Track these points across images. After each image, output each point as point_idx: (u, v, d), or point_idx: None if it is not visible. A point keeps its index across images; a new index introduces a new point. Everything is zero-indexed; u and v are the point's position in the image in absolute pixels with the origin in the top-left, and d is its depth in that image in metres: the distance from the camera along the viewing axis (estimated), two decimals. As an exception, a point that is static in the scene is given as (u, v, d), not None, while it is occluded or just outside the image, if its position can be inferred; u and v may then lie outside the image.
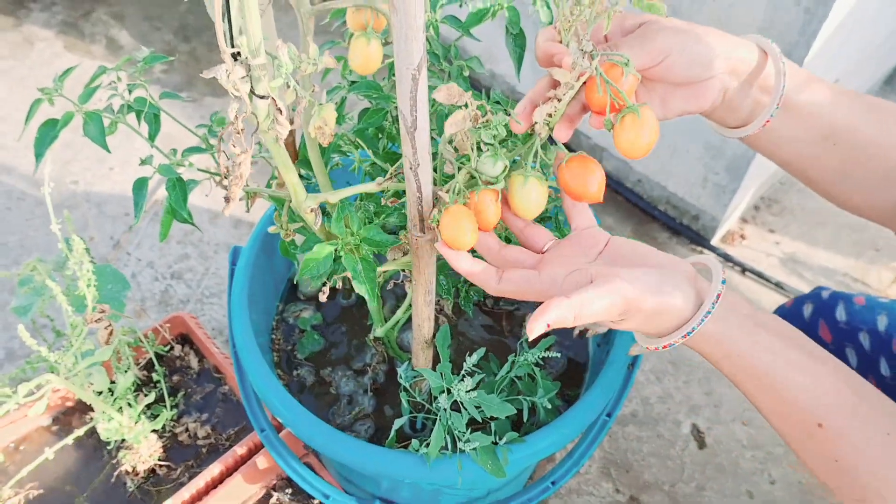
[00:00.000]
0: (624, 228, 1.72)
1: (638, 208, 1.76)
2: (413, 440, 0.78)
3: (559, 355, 0.95)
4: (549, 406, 0.84)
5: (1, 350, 1.41)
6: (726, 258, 1.67)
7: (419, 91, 0.56)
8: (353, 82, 0.81)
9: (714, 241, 1.69)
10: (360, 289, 0.68)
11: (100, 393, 0.95)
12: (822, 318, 0.94)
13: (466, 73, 0.83)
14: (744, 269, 1.66)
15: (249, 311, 0.90)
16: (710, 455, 1.39)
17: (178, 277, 1.55)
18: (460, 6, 0.80)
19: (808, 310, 0.97)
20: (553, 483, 0.97)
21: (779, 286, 1.63)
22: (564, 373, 1.04)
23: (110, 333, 0.84)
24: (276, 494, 1.12)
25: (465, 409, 0.75)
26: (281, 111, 0.59)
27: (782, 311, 1.03)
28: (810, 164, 0.71)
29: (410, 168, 0.62)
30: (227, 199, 0.65)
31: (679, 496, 1.33)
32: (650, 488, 1.34)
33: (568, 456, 0.97)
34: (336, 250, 0.67)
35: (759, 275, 1.65)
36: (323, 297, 0.76)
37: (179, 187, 0.72)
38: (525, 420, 0.85)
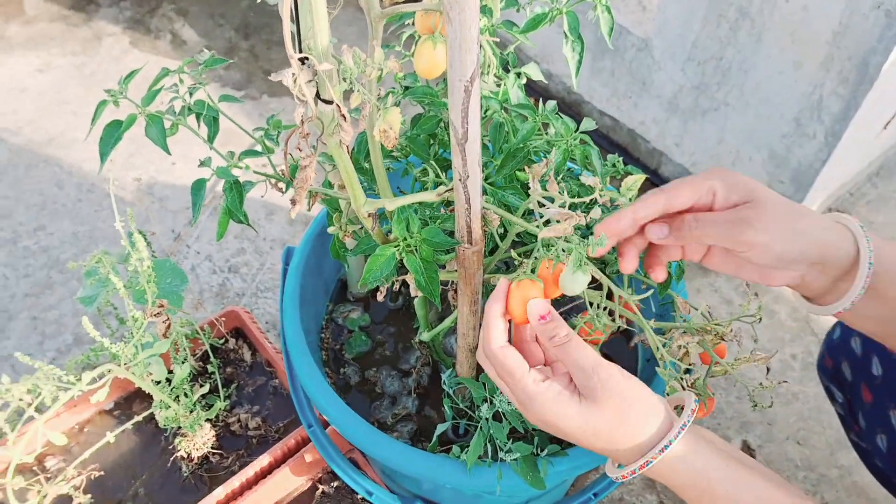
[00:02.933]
0: (681, 236, 1.69)
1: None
2: (454, 446, 0.79)
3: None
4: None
5: (70, 335, 1.47)
6: (787, 271, 1.63)
7: (472, 103, 0.57)
8: (407, 87, 0.82)
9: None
10: (423, 289, 0.69)
11: (158, 382, 0.98)
12: (875, 353, 0.92)
13: (524, 81, 0.83)
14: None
15: (300, 311, 0.92)
16: (761, 473, 1.36)
17: (234, 271, 1.59)
18: (518, 11, 0.80)
19: (856, 342, 0.94)
20: (595, 495, 0.97)
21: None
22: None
23: (168, 327, 0.87)
24: (321, 487, 1.15)
25: (507, 420, 0.75)
26: (345, 117, 0.60)
27: (830, 342, 1.00)
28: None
29: (460, 180, 0.62)
30: (293, 202, 0.67)
31: (726, 513, 1.30)
32: None
33: (602, 475, 0.96)
34: (398, 251, 0.68)
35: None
36: (381, 297, 0.77)
37: (236, 189, 0.75)
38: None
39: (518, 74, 0.82)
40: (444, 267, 0.75)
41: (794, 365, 1.50)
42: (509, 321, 0.65)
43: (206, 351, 1.18)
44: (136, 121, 0.72)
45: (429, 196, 0.67)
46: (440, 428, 0.82)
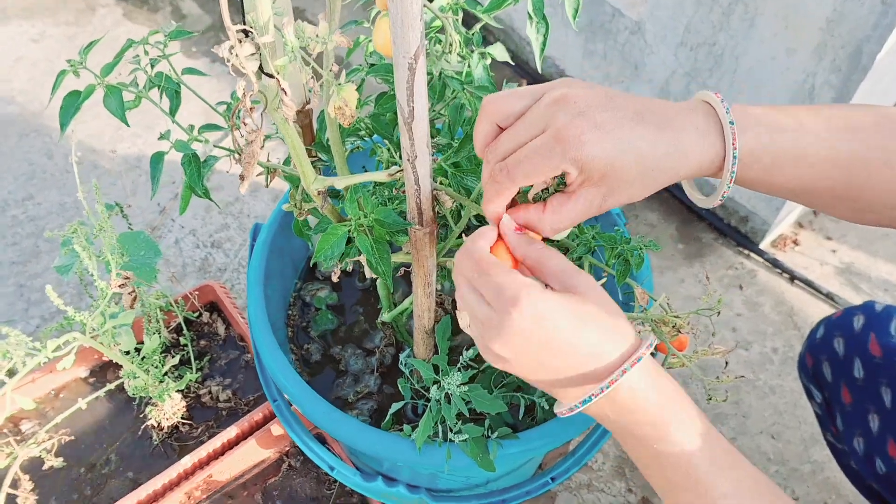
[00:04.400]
0: (668, 226, 1.69)
1: (684, 206, 1.72)
2: (406, 426, 0.80)
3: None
4: (548, 406, 0.84)
5: (52, 304, 1.49)
6: (775, 264, 1.62)
7: (416, 81, 0.57)
8: (372, 65, 0.82)
9: (763, 245, 1.65)
10: (375, 270, 0.69)
11: (127, 352, 1.00)
12: (873, 331, 0.90)
13: (488, 62, 0.82)
14: (793, 277, 1.61)
15: (265, 287, 0.93)
16: (731, 464, 1.36)
17: (217, 246, 1.60)
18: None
19: (858, 321, 0.92)
20: (552, 479, 0.98)
21: (829, 297, 1.57)
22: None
23: (134, 299, 0.88)
24: (288, 460, 1.16)
25: (453, 403, 0.76)
26: (286, 91, 0.60)
27: (829, 322, 0.98)
28: (803, 200, 0.66)
29: (408, 160, 0.62)
30: (241, 178, 0.68)
31: (693, 502, 1.31)
32: (664, 491, 1.33)
33: (570, 454, 0.97)
34: (350, 231, 0.68)
35: (809, 284, 1.60)
36: (335, 278, 0.78)
37: (194, 163, 0.75)
38: (520, 417, 0.85)
39: (482, 55, 0.81)
40: (400, 249, 0.76)
41: (774, 358, 1.51)
42: None
43: (181, 324, 1.19)
44: (94, 91, 0.72)
45: (379, 176, 0.68)
46: (394, 407, 0.83)
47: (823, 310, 1.56)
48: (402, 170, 0.67)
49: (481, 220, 0.89)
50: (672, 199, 1.73)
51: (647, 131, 0.56)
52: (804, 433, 1.40)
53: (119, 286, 0.85)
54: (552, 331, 0.54)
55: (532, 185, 0.60)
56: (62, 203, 1.65)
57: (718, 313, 0.81)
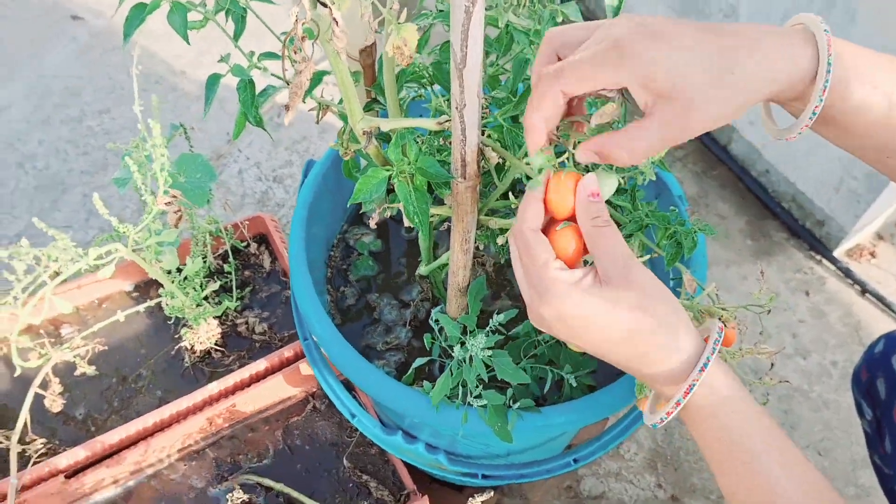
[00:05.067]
0: (739, 220, 1.61)
1: (759, 200, 1.64)
2: (426, 382, 0.78)
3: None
4: (575, 384, 0.81)
5: (115, 216, 1.52)
6: (847, 273, 1.53)
7: (472, 26, 0.53)
8: (441, 10, 0.78)
9: (837, 253, 1.55)
10: (412, 219, 0.67)
11: (169, 272, 1.01)
12: None
13: (559, 20, 0.78)
14: (864, 290, 1.52)
15: (309, 225, 0.92)
16: (767, 474, 1.30)
17: (279, 181, 1.61)
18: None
19: None
20: (575, 461, 0.95)
21: (900, 315, 1.48)
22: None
23: (179, 218, 0.89)
24: (313, 401, 1.16)
25: (474, 366, 0.74)
26: (337, 22, 0.58)
27: (890, 338, 0.93)
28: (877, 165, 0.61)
29: (457, 108, 0.59)
30: (286, 108, 0.66)
31: (722, 508, 1.27)
32: (695, 493, 1.28)
33: (597, 438, 0.93)
34: (390, 177, 0.66)
35: (881, 299, 1.50)
36: (373, 223, 0.76)
37: (249, 89, 0.73)
38: (545, 391, 0.82)
39: (554, 12, 0.77)
40: (442, 202, 0.73)
41: (833, 372, 1.43)
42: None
43: (227, 251, 1.19)
44: (159, 6, 0.71)
45: (427, 123, 0.64)
46: (418, 361, 0.81)
47: (893, 327, 1.46)
48: (450, 119, 0.64)
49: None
50: (747, 191, 1.64)
51: (719, 37, 0.51)
52: (854, 454, 1.33)
53: (165, 204, 0.85)
54: (584, 326, 0.54)
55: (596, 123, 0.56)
56: (136, 119, 1.68)
57: (769, 311, 0.76)
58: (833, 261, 1.55)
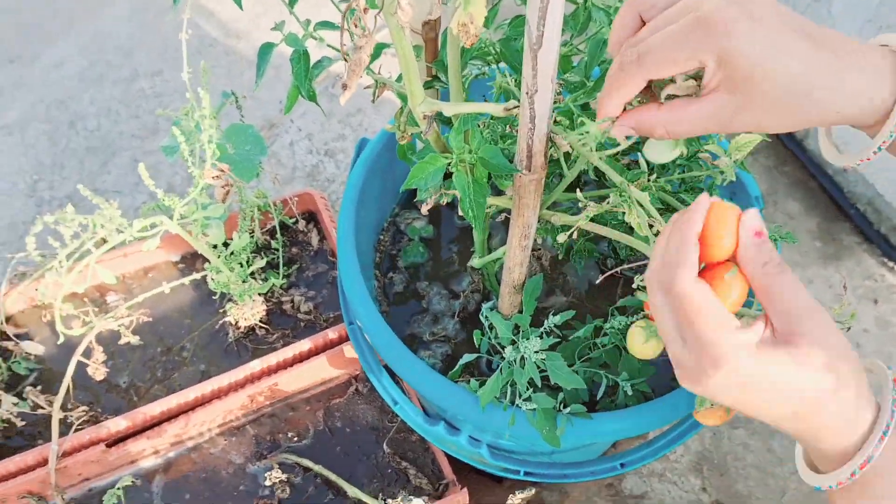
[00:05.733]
0: (808, 220, 1.53)
1: (832, 201, 1.55)
2: (473, 380, 0.74)
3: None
4: (631, 392, 0.76)
5: (165, 182, 1.52)
6: (919, 286, 1.45)
7: (552, 3, 0.49)
8: (512, -13, 0.74)
9: (911, 263, 1.47)
10: (467, 213, 0.63)
11: (215, 246, 0.99)
12: None
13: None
14: (935, 304, 1.43)
15: (359, 206, 0.89)
16: (821, 488, 1.25)
17: (331, 155, 1.58)
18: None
19: None
20: (622, 465, 0.91)
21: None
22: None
23: (227, 193, 0.86)
24: (356, 384, 1.14)
25: (527, 368, 0.70)
26: (401, -9, 0.53)
27: None
28: None
29: (527, 93, 0.55)
30: (343, 86, 0.62)
31: (769, 518, 1.22)
32: (740, 499, 1.23)
33: (648, 443, 0.89)
34: (449, 165, 0.62)
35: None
36: (424, 209, 0.72)
37: (304, 61, 0.70)
38: (599, 397, 0.78)
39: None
40: (501, 193, 0.69)
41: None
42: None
43: (275, 227, 1.17)
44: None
45: (493, 108, 0.60)
46: (466, 358, 0.78)
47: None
48: (519, 105, 0.60)
49: (600, 175, 0.80)
50: (820, 190, 1.56)
51: (811, 45, 0.47)
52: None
53: (213, 177, 0.83)
54: (761, 394, 0.47)
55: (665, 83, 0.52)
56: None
57: (849, 329, 0.70)
58: (905, 270, 1.46)
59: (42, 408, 0.97)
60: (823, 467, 0.52)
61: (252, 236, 1.11)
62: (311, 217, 1.25)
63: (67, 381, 0.93)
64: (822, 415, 0.48)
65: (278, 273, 1.15)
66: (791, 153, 1.61)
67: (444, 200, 0.68)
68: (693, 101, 0.50)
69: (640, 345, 0.61)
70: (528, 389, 0.70)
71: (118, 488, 0.95)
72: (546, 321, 0.72)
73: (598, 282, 0.74)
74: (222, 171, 0.84)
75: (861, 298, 1.45)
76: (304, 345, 1.09)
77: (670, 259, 0.47)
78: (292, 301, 1.17)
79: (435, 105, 0.61)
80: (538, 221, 0.79)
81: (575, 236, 0.65)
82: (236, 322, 1.11)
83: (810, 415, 0.48)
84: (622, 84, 0.51)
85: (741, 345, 0.45)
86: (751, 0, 0.47)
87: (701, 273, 0.48)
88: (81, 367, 1.02)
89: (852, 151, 0.56)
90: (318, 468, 1.06)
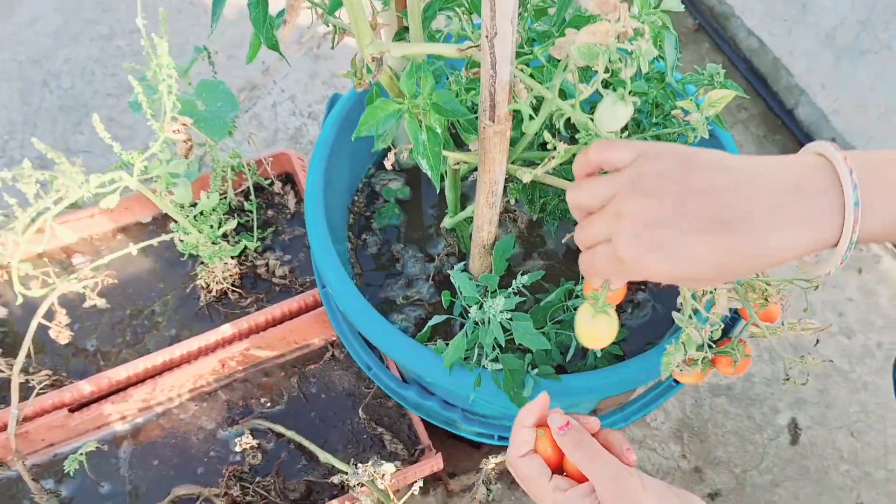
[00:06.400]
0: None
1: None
2: (439, 341, 0.72)
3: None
4: (601, 353, 0.74)
5: (140, 143, 1.48)
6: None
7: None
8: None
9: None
10: (420, 163, 0.60)
11: (182, 206, 0.96)
12: None
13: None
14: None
15: (330, 166, 0.86)
16: (799, 454, 1.24)
17: (314, 118, 1.54)
18: None
19: None
20: (597, 431, 0.89)
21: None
22: (649, 322, 0.93)
23: (189, 148, 0.83)
24: (332, 350, 1.12)
25: (490, 328, 0.68)
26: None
27: None
28: None
29: (487, 37, 0.52)
30: (284, 22, 0.59)
31: (748, 483, 1.21)
32: (719, 465, 1.23)
33: (620, 408, 0.88)
34: (401, 110, 0.59)
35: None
36: (388, 164, 0.70)
37: (262, 6, 0.67)
38: (567, 359, 0.76)
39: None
40: (465, 147, 0.66)
41: (877, 354, 1.34)
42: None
43: (250, 189, 1.14)
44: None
45: (445, 49, 0.57)
46: (435, 319, 0.76)
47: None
48: (476, 46, 0.56)
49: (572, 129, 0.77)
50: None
51: (722, 240, 0.47)
52: (888, 438, 1.26)
53: (173, 131, 0.79)
54: None
55: None
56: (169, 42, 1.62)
57: (817, 288, 0.68)
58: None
59: (1, 371, 0.94)
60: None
61: (224, 197, 1.09)
62: (289, 179, 1.22)
63: (27, 343, 0.91)
64: None
65: (252, 236, 1.12)
66: (782, 122, 1.59)
67: (406, 154, 0.65)
68: None
69: (587, 324, 0.60)
70: (493, 350, 0.68)
71: (80, 454, 0.93)
72: (514, 281, 0.69)
73: (564, 240, 0.71)
74: (184, 124, 0.80)
75: (846, 268, 1.43)
76: (277, 309, 1.06)
77: (510, 441, 0.62)
78: (267, 265, 1.14)
79: (382, 46, 0.58)
80: (510, 180, 0.76)
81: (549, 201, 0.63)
82: (208, 285, 1.09)
83: None
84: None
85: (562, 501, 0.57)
86: (653, 224, 0.48)
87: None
88: (45, 330, 0.99)
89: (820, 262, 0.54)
90: (290, 434, 1.04)
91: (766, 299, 0.65)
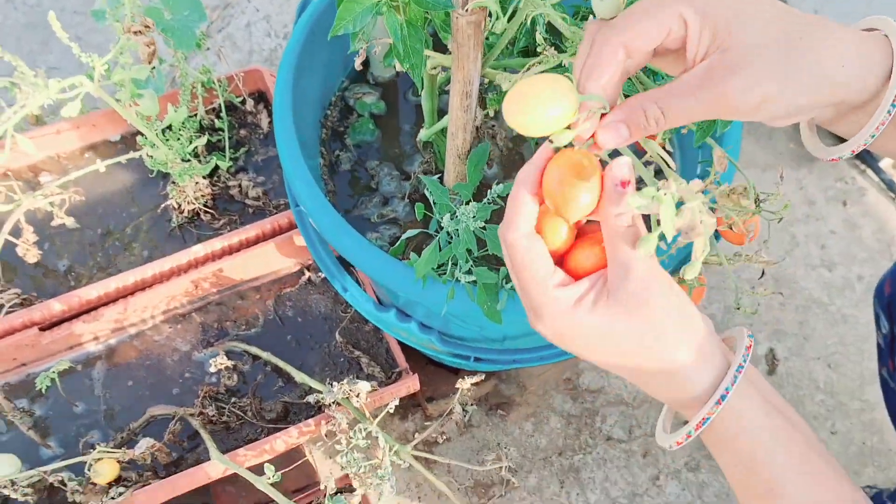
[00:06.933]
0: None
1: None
2: (413, 253, 0.71)
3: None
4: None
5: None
6: (890, 186, 1.43)
7: None
8: None
9: (883, 164, 1.45)
10: (401, 60, 0.57)
11: (149, 119, 0.92)
12: None
13: None
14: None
15: (299, 76, 0.82)
16: (776, 384, 1.25)
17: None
18: None
19: None
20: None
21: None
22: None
23: (153, 53, 0.79)
24: (308, 274, 1.10)
25: (462, 238, 0.66)
26: None
27: None
28: None
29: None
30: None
31: (724, 412, 1.22)
32: (696, 395, 1.23)
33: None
34: (379, 3, 0.56)
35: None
36: (358, 63, 0.67)
37: None
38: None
39: None
40: (445, 48, 0.63)
41: (857, 286, 1.35)
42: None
43: (221, 106, 1.10)
44: None
45: (426, -60, 0.54)
46: (409, 232, 0.73)
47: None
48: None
49: (553, 31, 0.73)
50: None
51: (792, 14, 0.45)
52: (864, 370, 1.27)
53: (134, 33, 0.75)
54: (585, 347, 0.48)
55: None
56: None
57: (780, 220, 0.67)
58: (878, 171, 1.44)
59: (-32, 288, 0.92)
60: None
61: (195, 115, 1.05)
62: (262, 98, 1.18)
63: (-6, 259, 0.88)
64: (648, 372, 0.48)
65: (224, 155, 1.09)
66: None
67: (377, 51, 0.62)
68: (685, 75, 0.46)
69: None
70: (467, 261, 0.67)
71: (53, 371, 0.91)
72: (489, 192, 0.67)
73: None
74: (147, 26, 0.76)
75: (831, 200, 1.42)
76: (251, 230, 1.04)
77: (505, 214, 0.49)
78: (240, 186, 1.11)
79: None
80: (487, 85, 0.73)
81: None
82: (179, 206, 1.06)
83: (636, 370, 0.48)
84: (597, 53, 0.45)
85: (555, 301, 0.47)
86: None
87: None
88: (13, 250, 0.97)
89: (840, 143, 0.53)
90: (266, 355, 1.03)
91: (732, 227, 0.63)
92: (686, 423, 0.50)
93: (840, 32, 0.46)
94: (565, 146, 0.46)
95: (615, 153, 0.46)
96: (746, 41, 0.44)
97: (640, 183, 0.45)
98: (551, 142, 0.46)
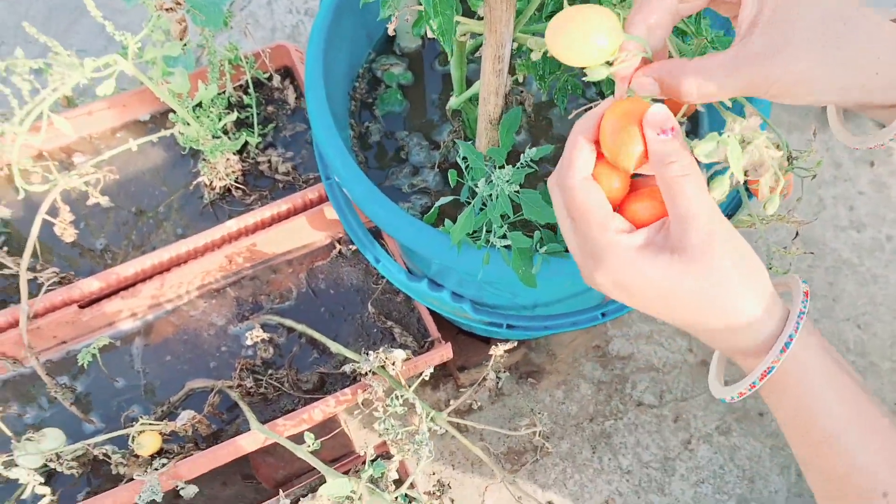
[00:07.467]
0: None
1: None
2: (447, 220, 0.71)
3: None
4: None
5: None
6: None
7: None
8: None
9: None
10: (432, 28, 0.58)
11: (180, 96, 0.93)
12: None
13: None
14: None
15: (329, 48, 0.83)
16: (807, 346, 1.25)
17: (311, 15, 1.50)
18: None
19: None
20: (603, 314, 0.90)
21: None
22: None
23: (184, 29, 0.80)
24: (339, 247, 1.12)
25: (499, 202, 0.66)
26: None
27: None
28: None
29: None
30: None
31: (754, 376, 1.22)
32: (726, 359, 1.24)
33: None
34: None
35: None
36: (391, 29, 0.67)
37: None
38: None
39: None
40: (473, 15, 0.64)
41: (887, 247, 1.34)
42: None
43: (248, 83, 1.11)
44: None
45: None
46: (442, 200, 0.74)
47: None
48: None
49: None
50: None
51: None
52: (895, 330, 1.26)
53: (166, 9, 0.76)
54: (644, 295, 0.47)
55: None
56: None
57: (814, 177, 0.66)
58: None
59: (8, 268, 0.94)
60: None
61: (223, 92, 1.06)
62: (288, 73, 1.19)
63: (33, 239, 0.90)
64: (711, 323, 0.47)
65: (253, 131, 1.10)
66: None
67: (408, 19, 0.62)
68: (727, 51, 0.45)
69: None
70: (502, 226, 0.67)
71: (94, 347, 0.93)
72: (522, 156, 0.68)
73: (571, 116, 0.69)
74: (178, 2, 0.77)
75: (858, 161, 1.41)
76: (282, 205, 1.05)
77: (562, 160, 0.48)
78: (269, 161, 1.12)
79: None
80: (517, 50, 0.73)
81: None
82: (211, 182, 1.08)
83: (699, 322, 0.48)
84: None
85: (620, 246, 0.46)
86: None
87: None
88: (50, 229, 0.99)
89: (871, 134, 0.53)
90: (301, 327, 1.05)
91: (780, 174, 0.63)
92: (741, 375, 0.50)
93: (884, 28, 0.46)
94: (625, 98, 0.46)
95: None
96: (791, 16, 0.44)
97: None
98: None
